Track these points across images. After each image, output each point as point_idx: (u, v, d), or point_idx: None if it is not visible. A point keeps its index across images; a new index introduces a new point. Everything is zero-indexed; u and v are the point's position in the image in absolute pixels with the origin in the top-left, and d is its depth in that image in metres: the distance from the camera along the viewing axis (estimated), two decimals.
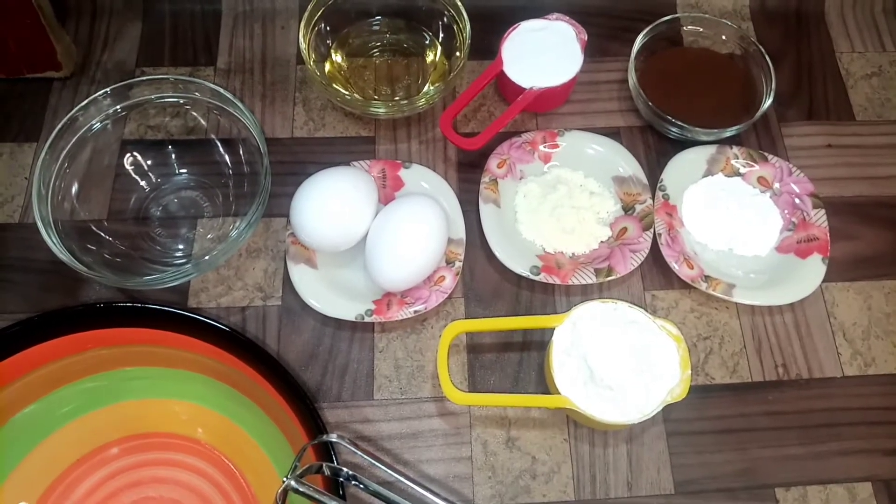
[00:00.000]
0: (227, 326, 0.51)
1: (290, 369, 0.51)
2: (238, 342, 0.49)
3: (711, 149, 0.60)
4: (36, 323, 0.50)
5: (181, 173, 0.59)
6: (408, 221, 0.53)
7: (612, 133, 0.62)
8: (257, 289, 0.56)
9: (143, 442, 0.50)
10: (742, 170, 0.60)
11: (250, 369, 0.48)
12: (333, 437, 0.44)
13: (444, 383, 0.50)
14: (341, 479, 0.43)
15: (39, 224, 0.51)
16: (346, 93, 0.61)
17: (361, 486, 0.43)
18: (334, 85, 0.62)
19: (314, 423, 0.46)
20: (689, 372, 0.49)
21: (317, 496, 0.40)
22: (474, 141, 0.58)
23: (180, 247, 0.57)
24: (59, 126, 0.54)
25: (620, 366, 0.49)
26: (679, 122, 0.59)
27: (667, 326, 0.50)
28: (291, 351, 0.54)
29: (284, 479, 0.40)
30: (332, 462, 0.44)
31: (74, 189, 0.56)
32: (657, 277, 0.58)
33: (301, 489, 0.40)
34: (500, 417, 0.53)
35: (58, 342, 0.49)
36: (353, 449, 0.44)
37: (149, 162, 0.59)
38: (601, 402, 0.48)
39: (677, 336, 0.50)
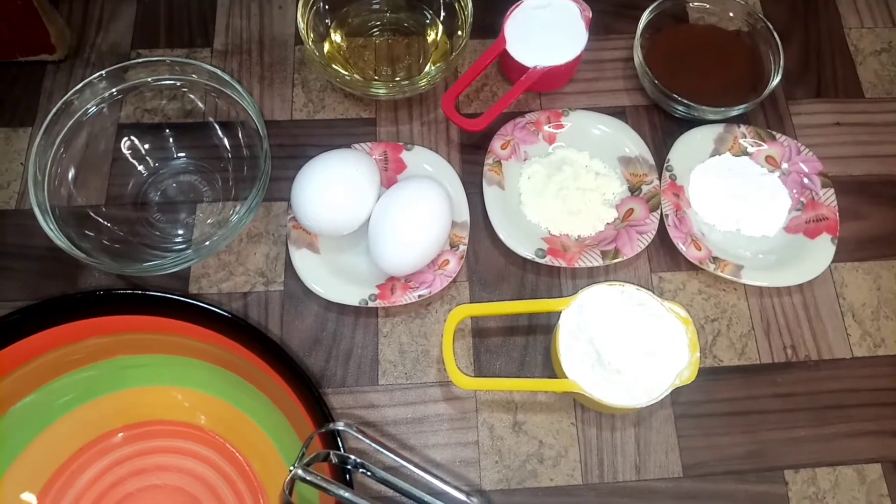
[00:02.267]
0: (230, 313, 0.50)
1: (294, 355, 0.50)
2: (241, 328, 0.49)
3: (719, 128, 0.59)
4: (35, 311, 0.49)
5: (179, 157, 0.58)
6: (411, 205, 0.53)
7: (618, 112, 0.61)
8: (259, 274, 0.56)
9: (146, 430, 0.49)
10: (750, 149, 0.59)
11: (254, 356, 0.48)
12: (340, 426, 0.44)
13: (450, 368, 0.49)
14: (349, 467, 0.43)
15: (36, 210, 0.50)
16: (346, 73, 0.60)
17: (369, 473, 0.43)
18: (334, 65, 0.60)
19: (320, 410, 0.46)
20: (698, 354, 0.49)
21: (324, 485, 0.39)
22: (477, 122, 0.57)
23: (180, 232, 0.57)
24: (55, 110, 0.53)
25: (628, 349, 0.48)
26: (686, 101, 0.58)
27: (675, 309, 0.50)
28: (295, 336, 0.54)
29: (291, 467, 0.39)
30: (339, 449, 0.43)
31: (71, 174, 0.55)
32: (664, 259, 0.57)
33: (308, 478, 0.39)
34: (506, 401, 0.52)
35: (57, 330, 0.48)
36: (360, 437, 0.44)
37: (146, 146, 0.58)
38: (609, 385, 0.48)
39: (686, 318, 0.49)
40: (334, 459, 0.42)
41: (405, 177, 0.58)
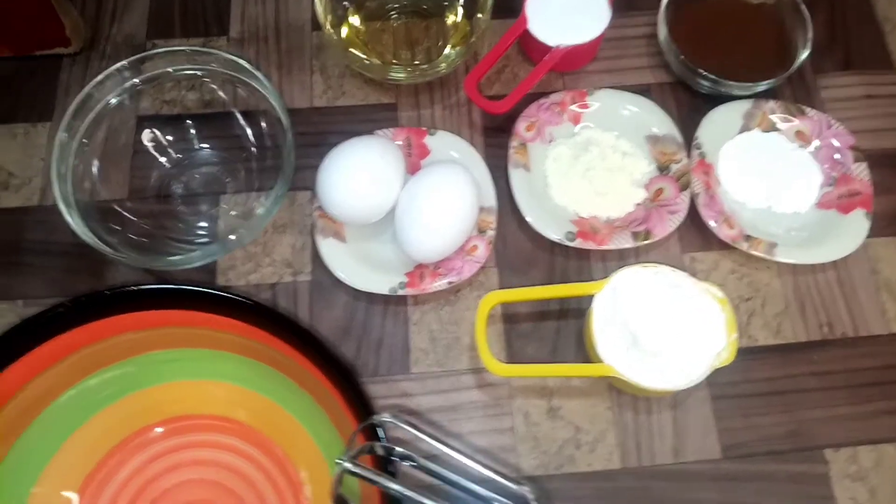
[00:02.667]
0: (267, 305, 0.49)
1: (331, 346, 0.50)
2: (277, 320, 0.48)
3: (747, 104, 0.58)
4: (72, 307, 0.49)
5: (201, 148, 0.57)
6: (437, 190, 0.52)
7: (642, 90, 0.60)
8: (286, 264, 0.55)
9: (182, 424, 0.49)
10: (779, 124, 0.58)
11: (290, 348, 0.47)
12: (386, 418, 0.43)
13: (484, 356, 0.48)
14: (394, 459, 0.42)
15: (61, 205, 0.50)
16: (366, 58, 0.59)
17: (415, 464, 0.42)
18: (352, 49, 0.59)
19: (360, 402, 0.45)
20: (736, 335, 0.48)
21: (374, 478, 0.39)
22: (501, 104, 0.56)
23: (204, 224, 0.56)
24: (75, 103, 0.52)
25: (664, 331, 0.47)
26: (713, 77, 0.57)
27: (711, 289, 0.49)
28: (324, 326, 0.53)
29: (338, 460, 0.39)
30: (381, 440, 0.43)
31: (93, 168, 0.54)
32: (695, 239, 0.56)
33: (357, 471, 0.38)
34: (540, 387, 0.52)
35: (93, 326, 0.48)
36: (409, 429, 0.43)
37: (167, 138, 0.57)
38: (646, 368, 0.47)
39: (722, 299, 0.49)
40: (380, 451, 0.42)
41: (429, 162, 0.57)
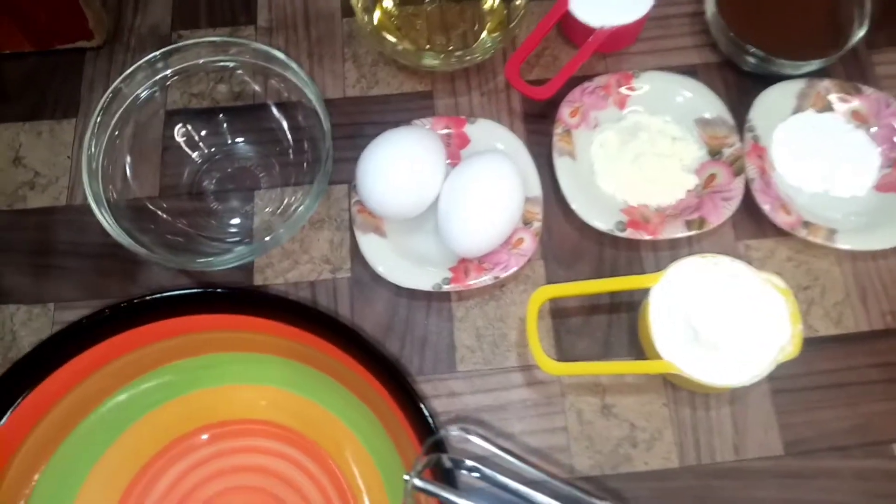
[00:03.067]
0: (310, 305, 0.47)
1: (378, 346, 0.48)
2: (325, 323, 0.47)
3: (801, 83, 0.55)
4: (112, 313, 0.47)
5: (233, 143, 0.56)
6: (479, 181, 0.50)
7: (688, 71, 0.57)
8: (324, 261, 0.53)
9: (225, 430, 0.47)
10: (835, 104, 0.55)
11: (336, 349, 0.46)
12: (454, 432, 0.41)
13: (537, 354, 0.46)
14: (463, 471, 0.40)
15: (92, 203, 0.48)
16: (397, 41, 0.56)
17: (481, 476, 0.40)
18: (385, 34, 0.57)
19: (412, 403, 0.43)
20: (801, 327, 0.46)
21: (444, 494, 0.37)
22: (545, 89, 0.54)
23: (237, 221, 0.54)
24: (105, 98, 0.50)
25: (726, 325, 0.45)
26: (764, 55, 0.54)
27: (772, 279, 0.47)
28: (367, 324, 0.51)
29: (406, 477, 0.37)
30: (444, 451, 0.40)
31: (123, 165, 0.52)
32: (749, 226, 0.54)
33: (426, 487, 0.37)
34: (592, 384, 0.50)
35: (133, 333, 0.46)
36: (484, 444, 0.41)
37: (199, 132, 0.55)
38: (707, 364, 0.45)
39: (785, 289, 0.46)
40: (448, 464, 0.40)
41: (469, 152, 0.55)
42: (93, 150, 0.49)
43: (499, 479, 0.40)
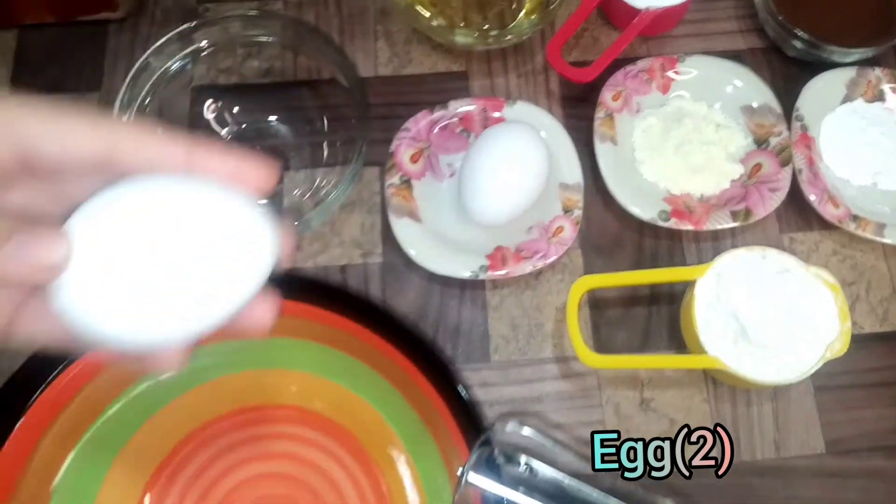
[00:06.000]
0: (366, 297, 0.47)
1: (418, 331, 0.47)
2: (370, 311, 0.45)
3: (851, 71, 0.54)
4: None
5: (262, 120, 0.54)
6: (498, 146, 0.48)
7: (733, 56, 0.55)
8: (355, 245, 0.52)
9: (254, 415, 0.46)
10: (887, 94, 0.53)
11: (374, 335, 0.44)
12: (511, 427, 0.40)
13: (578, 346, 0.45)
14: (513, 465, 0.39)
15: None
16: (431, 16, 0.54)
17: (531, 471, 0.39)
18: (419, 8, 0.55)
19: (452, 390, 0.42)
20: (849, 324, 0.44)
21: (497, 490, 0.36)
22: (587, 71, 0.52)
23: (265, 202, 0.52)
24: (133, 71, 0.48)
25: (773, 320, 0.44)
26: (813, 40, 0.52)
27: (822, 274, 0.45)
28: (399, 311, 0.50)
29: (460, 471, 0.36)
30: (490, 445, 0.39)
31: None
32: (794, 218, 0.52)
33: (480, 485, 0.35)
34: (630, 377, 0.49)
35: None
36: (544, 440, 0.40)
37: (226, 109, 0.53)
38: (753, 361, 0.44)
39: (834, 285, 0.45)
40: (500, 459, 0.39)
41: None
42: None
43: (550, 475, 0.39)
